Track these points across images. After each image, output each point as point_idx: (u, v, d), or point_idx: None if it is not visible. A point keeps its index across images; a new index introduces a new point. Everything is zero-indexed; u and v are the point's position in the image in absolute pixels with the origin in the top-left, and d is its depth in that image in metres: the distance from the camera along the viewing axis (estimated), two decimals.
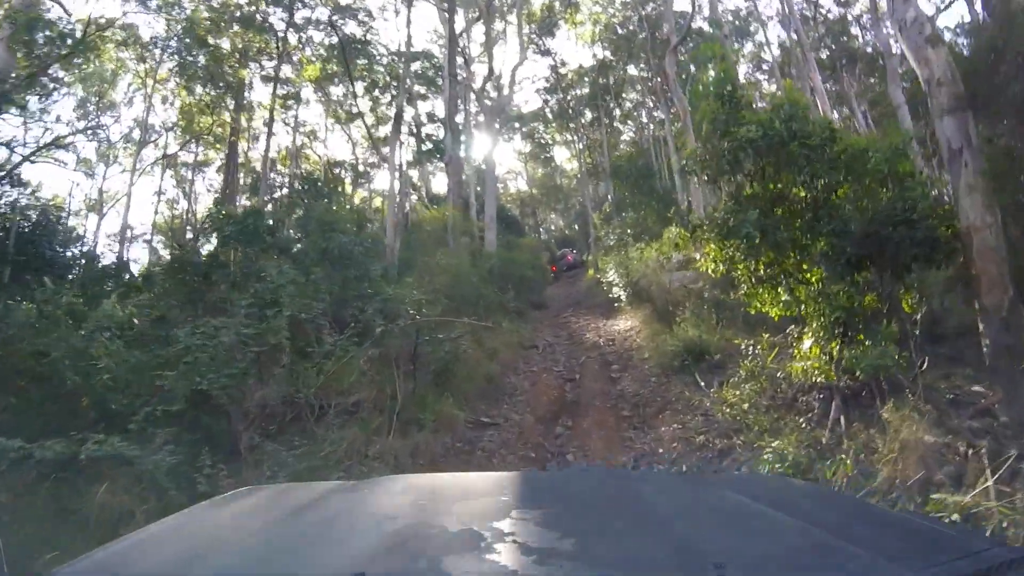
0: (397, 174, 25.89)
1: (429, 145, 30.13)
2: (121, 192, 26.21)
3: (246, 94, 25.31)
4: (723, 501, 1.74)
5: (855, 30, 28.53)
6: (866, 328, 5.30)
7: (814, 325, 5.15)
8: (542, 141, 39.70)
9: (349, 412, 7.64)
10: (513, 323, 12.36)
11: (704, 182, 6.87)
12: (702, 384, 7.64)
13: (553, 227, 47.74)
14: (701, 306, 9.93)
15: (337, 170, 31.52)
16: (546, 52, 30.52)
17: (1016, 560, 1.16)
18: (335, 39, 23.72)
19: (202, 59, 22.48)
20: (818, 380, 5.30)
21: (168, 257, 16.89)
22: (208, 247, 15.49)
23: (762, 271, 5.97)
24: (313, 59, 25.75)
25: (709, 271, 6.35)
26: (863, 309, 5.29)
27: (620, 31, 31.50)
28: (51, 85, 22.38)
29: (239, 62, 23.35)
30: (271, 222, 19.96)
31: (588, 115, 34.98)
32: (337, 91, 28.87)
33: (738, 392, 6.09)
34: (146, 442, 5.76)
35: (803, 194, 6.00)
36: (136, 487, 5.21)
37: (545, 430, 7.87)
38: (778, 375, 6.12)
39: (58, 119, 26.22)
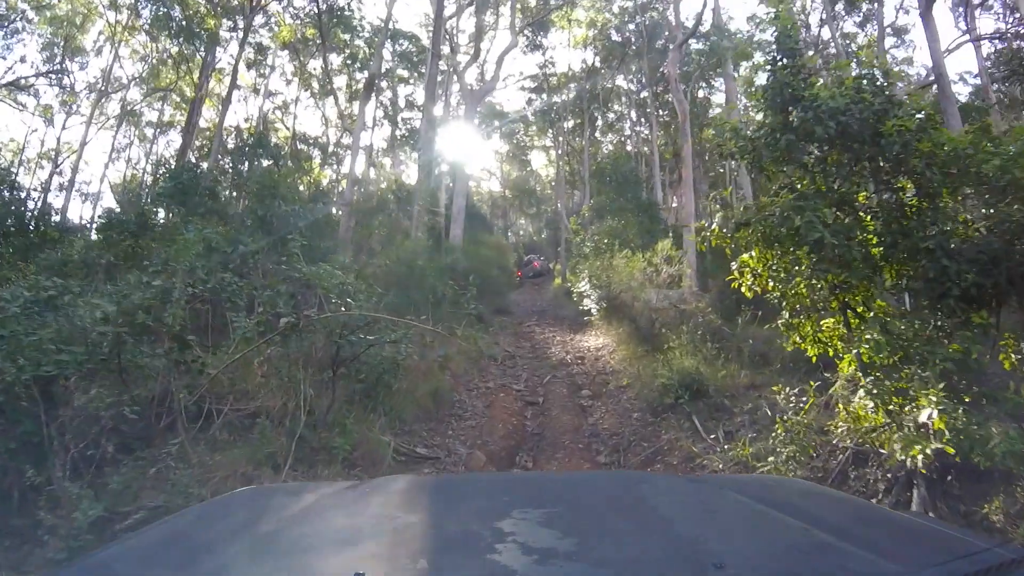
0: (362, 152, 24.03)
1: (404, 131, 28.49)
2: (82, 144, 24.05)
3: (216, 51, 23.07)
4: (723, 501, 1.66)
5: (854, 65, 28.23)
6: (980, 389, 3.69)
7: (936, 387, 3.49)
8: (521, 143, 38.31)
9: (244, 426, 5.73)
10: (472, 328, 10.55)
11: (747, 170, 5.20)
12: (706, 434, 5.97)
13: (522, 232, 46.60)
14: (695, 332, 8.31)
15: (306, 147, 29.63)
16: (536, 47, 28.87)
17: (1016, 560, 1.14)
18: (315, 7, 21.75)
19: (170, 3, 20.34)
20: (908, 459, 3.65)
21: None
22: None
23: (821, 294, 4.35)
24: (288, 20, 23.79)
25: (744, 288, 4.68)
26: (977, 363, 3.69)
27: (615, 36, 30.20)
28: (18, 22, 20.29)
29: (211, 14, 21.16)
30: (225, 187, 18.00)
31: (571, 121, 33.71)
32: (315, 64, 26.93)
33: (772, 457, 4.41)
34: None
35: (881, 197, 4.42)
36: None
37: (498, 472, 6.06)
38: (832, 441, 4.45)
39: (22, 59, 24.24)
